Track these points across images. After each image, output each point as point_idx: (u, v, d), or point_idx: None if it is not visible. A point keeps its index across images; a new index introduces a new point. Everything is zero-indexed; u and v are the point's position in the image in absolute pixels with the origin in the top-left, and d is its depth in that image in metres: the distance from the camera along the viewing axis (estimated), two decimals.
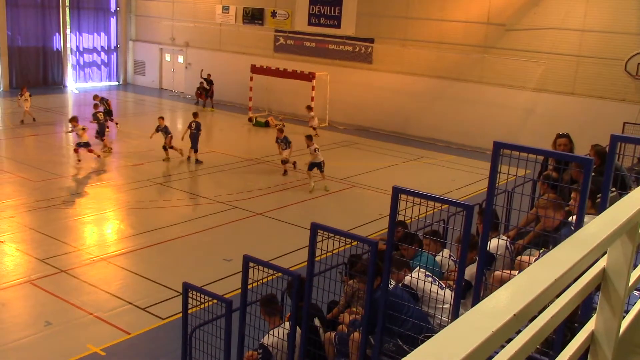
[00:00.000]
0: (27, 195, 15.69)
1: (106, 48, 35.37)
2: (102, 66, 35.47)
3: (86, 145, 18.54)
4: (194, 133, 19.32)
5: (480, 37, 23.51)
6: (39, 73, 32.71)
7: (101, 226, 14.25)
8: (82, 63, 34.59)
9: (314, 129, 23.83)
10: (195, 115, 20.31)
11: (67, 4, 33.22)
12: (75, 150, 18.63)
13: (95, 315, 9.88)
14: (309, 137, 17.69)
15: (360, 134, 25.22)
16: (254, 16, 30.14)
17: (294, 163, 18.60)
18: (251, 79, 27.83)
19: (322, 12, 27.52)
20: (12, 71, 31.65)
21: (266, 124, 25.64)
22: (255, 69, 27.72)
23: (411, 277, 6.04)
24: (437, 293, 5.89)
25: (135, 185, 16.88)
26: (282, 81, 27.37)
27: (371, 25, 26.16)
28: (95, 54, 35.03)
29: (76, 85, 34.06)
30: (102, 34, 35.04)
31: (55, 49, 33.25)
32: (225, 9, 31.01)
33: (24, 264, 11.75)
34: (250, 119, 26.67)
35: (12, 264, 11.79)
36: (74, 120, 19.15)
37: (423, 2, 24.75)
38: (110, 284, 11.08)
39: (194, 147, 19.36)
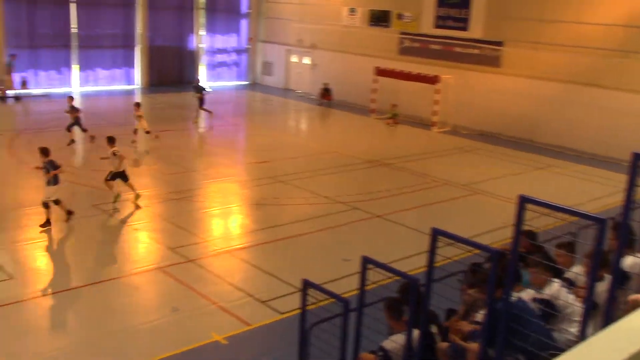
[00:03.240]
0: (160, 187, 16.68)
1: (237, 49, 36.84)
2: (233, 66, 36.98)
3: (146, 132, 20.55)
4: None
5: (619, 41, 22.15)
6: (174, 72, 34.63)
7: (226, 220, 14.88)
8: (214, 63, 36.26)
9: None
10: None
11: (202, 6, 34.95)
12: (135, 132, 20.38)
13: (219, 304, 10.34)
14: None
15: (483, 140, 24.58)
16: (379, 18, 30.21)
17: None
18: (375, 81, 27.93)
19: (449, 14, 27.09)
20: (151, 70, 33.73)
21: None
22: (379, 71, 27.80)
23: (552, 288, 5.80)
24: (572, 309, 5.64)
25: (259, 182, 17.47)
26: (405, 84, 27.24)
27: (500, 28, 25.41)
28: (226, 54, 36.60)
29: (208, 84, 35.72)
30: (234, 35, 36.55)
31: (190, 49, 35.09)
32: (352, 11, 31.31)
33: (155, 252, 12.52)
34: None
35: (145, 251, 12.60)
36: (137, 105, 21.13)
37: (558, 4, 23.70)
38: (234, 276, 11.55)
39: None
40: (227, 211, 15.36)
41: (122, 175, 14.85)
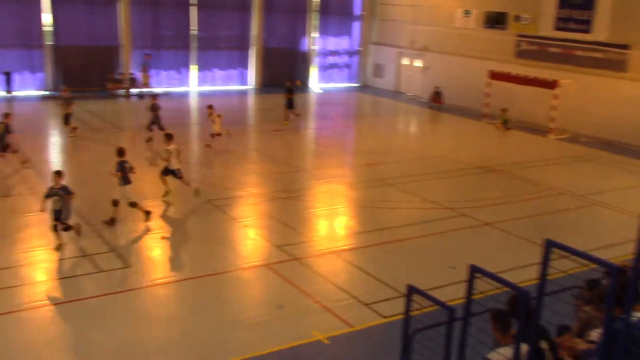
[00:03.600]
0: (269, 185, 17.06)
1: (348, 51, 37.06)
2: (344, 68, 37.24)
3: (217, 135, 19.88)
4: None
5: None
6: (286, 73, 35.32)
7: (333, 220, 14.98)
8: (325, 65, 36.67)
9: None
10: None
11: (316, 8, 35.44)
12: (212, 136, 20.00)
13: (322, 304, 10.41)
14: None
15: (605, 148, 23.27)
16: (495, 20, 29.34)
17: None
18: (489, 84, 27.17)
19: (571, 15, 25.86)
20: (265, 71, 34.61)
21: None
22: (493, 75, 27.01)
23: None
24: None
25: (367, 184, 17.45)
26: (521, 88, 26.28)
27: (628, 30, 23.94)
28: (338, 56, 36.91)
29: (319, 86, 36.19)
30: (346, 37, 36.79)
31: (302, 51, 35.68)
32: (467, 13, 30.63)
33: (262, 249, 12.81)
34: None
35: (253, 247, 12.92)
36: (210, 107, 20.48)
37: None
38: (338, 277, 11.60)
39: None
40: (333, 212, 15.47)
41: (173, 173, 15.23)
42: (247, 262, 12.13)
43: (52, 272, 11.37)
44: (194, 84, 32.73)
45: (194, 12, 32.32)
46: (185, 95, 31.23)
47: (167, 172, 15.32)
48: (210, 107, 20.63)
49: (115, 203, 13.46)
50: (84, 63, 30.29)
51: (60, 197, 11.95)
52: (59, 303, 10.21)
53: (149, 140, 20.68)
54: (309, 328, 9.65)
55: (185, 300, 10.63)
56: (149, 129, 20.91)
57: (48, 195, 12.03)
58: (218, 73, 33.54)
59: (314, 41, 35.89)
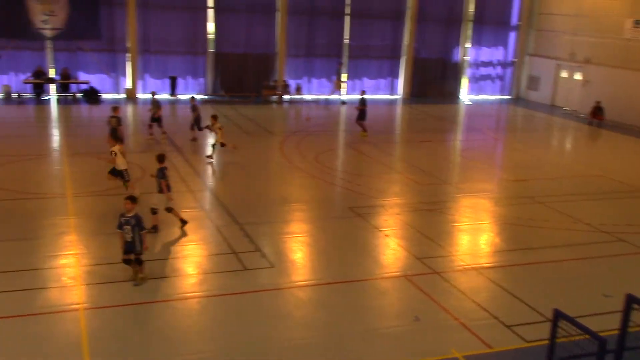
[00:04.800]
0: (413, 196, 16.89)
1: (502, 62, 35.90)
2: (497, 80, 36.14)
3: (221, 145, 19.25)
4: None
5: None
6: (436, 83, 34.92)
7: (476, 236, 14.52)
8: (477, 76, 35.79)
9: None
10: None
11: (471, 18, 34.70)
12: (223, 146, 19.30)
13: (461, 321, 10.10)
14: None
15: None
16: None
17: None
18: None
19: None
20: (414, 81, 34.42)
21: None
22: None
23: None
24: None
25: (515, 201, 16.75)
26: None
27: None
28: (491, 67, 35.89)
29: (469, 97, 35.39)
30: (500, 47, 35.67)
31: (453, 61, 35.08)
32: (638, 23, 28.49)
33: (402, 259, 12.69)
34: None
35: (393, 257, 12.84)
36: (213, 117, 19.69)
37: None
38: (479, 294, 11.20)
39: None
40: (477, 227, 14.99)
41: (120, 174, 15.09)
42: (386, 272, 12.07)
43: (200, 266, 12.01)
44: (344, 92, 33.28)
45: (347, 22, 32.92)
46: (334, 103, 31.81)
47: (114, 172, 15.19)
48: (214, 117, 19.77)
49: (155, 212, 13.33)
50: (241, 69, 31.91)
51: (131, 227, 10.65)
52: (207, 296, 10.75)
53: (194, 140, 21.65)
54: (446, 344, 9.39)
55: (324, 305, 10.76)
56: (192, 129, 21.87)
57: (120, 226, 10.76)
58: (367, 82, 33.86)
59: (466, 51, 35.17)
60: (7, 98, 28.77)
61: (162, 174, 13.20)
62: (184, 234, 13.33)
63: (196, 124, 21.91)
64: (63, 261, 11.77)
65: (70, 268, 11.48)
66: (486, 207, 16.43)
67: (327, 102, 31.88)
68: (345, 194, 16.90)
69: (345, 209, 15.47)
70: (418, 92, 34.24)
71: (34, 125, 24.74)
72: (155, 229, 13.21)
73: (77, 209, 14.66)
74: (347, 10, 32.79)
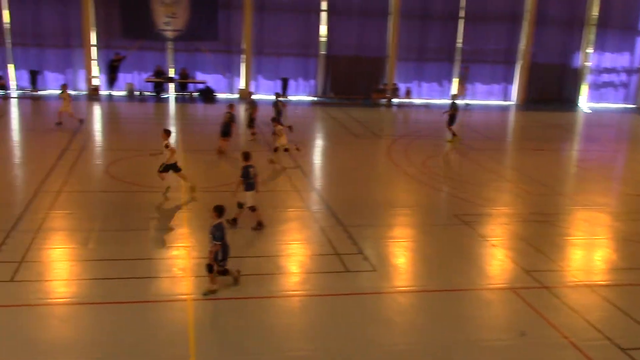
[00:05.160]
0: (524, 206, 16.26)
1: (627, 69, 33.89)
2: (620, 87, 34.18)
3: (286, 150, 18.76)
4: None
5: None
6: (553, 90, 33.49)
7: (591, 251, 13.76)
8: (598, 83, 34.01)
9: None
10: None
11: (594, 22, 33.03)
12: (275, 149, 18.77)
13: (571, 340, 9.60)
14: None
15: None
16: None
17: None
18: None
19: None
20: (530, 86, 33.21)
21: None
22: None
23: None
24: None
25: (636, 216, 15.75)
26: None
27: None
28: (614, 74, 33.98)
29: (589, 105, 33.68)
30: (626, 53, 33.69)
31: (573, 67, 33.51)
32: None
33: (509, 271, 12.23)
34: None
35: (500, 268, 12.41)
36: (275, 120, 19.44)
37: None
38: (591, 313, 10.60)
39: None
40: (592, 242, 14.20)
41: (174, 167, 15.48)
42: (492, 283, 11.68)
43: (303, 265, 12.15)
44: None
45: (460, 25, 32.29)
46: (444, 107, 31.27)
47: (166, 168, 15.55)
48: (274, 119, 19.64)
49: (241, 206, 13.35)
50: (351, 72, 32.09)
51: (212, 236, 10.49)
52: (308, 295, 10.85)
53: (254, 134, 22.16)
54: None
55: (426, 312, 10.57)
56: (249, 126, 22.32)
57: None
58: (480, 87, 33.04)
59: (587, 57, 33.49)
60: (130, 95, 30.54)
61: (244, 173, 13.17)
62: (282, 234, 13.56)
63: (250, 123, 22.43)
64: (175, 252, 12.30)
65: (181, 260, 11.96)
66: (603, 221, 15.54)
67: (437, 107, 31.38)
68: (451, 201, 16.55)
69: (450, 216, 15.15)
70: (533, 98, 33.01)
71: (155, 122, 26.05)
72: (260, 225, 13.48)
73: (190, 203, 15.29)
74: (461, 13, 32.15)
